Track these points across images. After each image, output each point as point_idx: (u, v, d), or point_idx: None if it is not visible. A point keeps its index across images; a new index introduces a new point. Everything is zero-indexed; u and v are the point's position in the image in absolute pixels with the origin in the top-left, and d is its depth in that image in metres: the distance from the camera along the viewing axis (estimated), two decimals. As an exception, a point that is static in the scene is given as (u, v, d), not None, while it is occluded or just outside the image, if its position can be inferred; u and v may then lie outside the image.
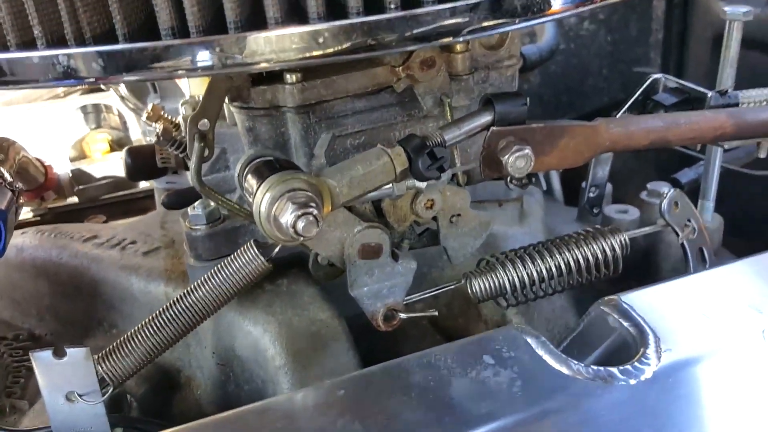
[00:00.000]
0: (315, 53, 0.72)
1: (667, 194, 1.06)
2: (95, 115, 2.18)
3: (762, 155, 1.10)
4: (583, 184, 1.42)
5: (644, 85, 1.17)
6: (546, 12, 0.78)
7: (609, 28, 2.11)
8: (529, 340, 0.77)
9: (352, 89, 1.03)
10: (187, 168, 1.48)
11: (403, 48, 0.76)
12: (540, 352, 0.76)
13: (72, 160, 2.10)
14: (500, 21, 0.76)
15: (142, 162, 1.54)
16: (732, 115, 1.03)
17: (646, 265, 1.37)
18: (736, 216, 1.41)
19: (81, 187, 1.97)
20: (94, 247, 1.30)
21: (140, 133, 2.18)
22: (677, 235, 1.07)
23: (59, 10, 0.72)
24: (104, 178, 2.01)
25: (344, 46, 0.72)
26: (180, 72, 0.73)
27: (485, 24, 0.75)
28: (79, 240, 1.33)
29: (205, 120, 0.97)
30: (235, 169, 0.93)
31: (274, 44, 0.71)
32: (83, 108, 2.19)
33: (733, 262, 0.95)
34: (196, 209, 1.09)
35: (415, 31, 0.73)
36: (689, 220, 1.08)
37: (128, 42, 0.72)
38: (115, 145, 2.15)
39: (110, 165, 2.04)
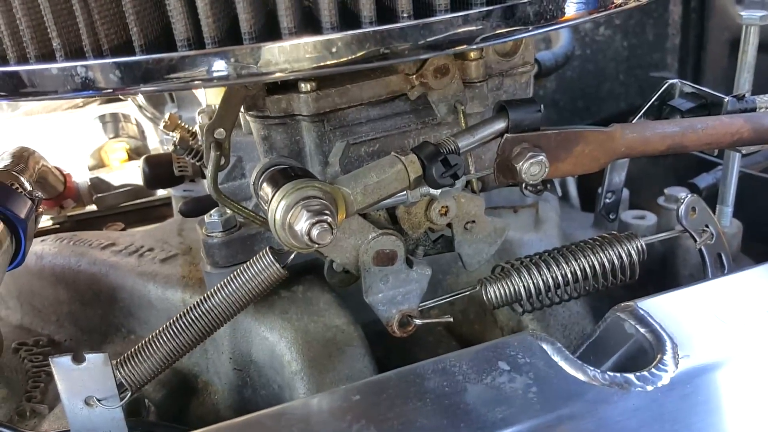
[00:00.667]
0: (329, 62, 0.73)
1: (684, 199, 1.05)
2: (113, 124, 2.21)
3: (780, 159, 1.09)
4: (600, 190, 1.41)
5: (660, 90, 1.16)
6: (559, 19, 0.78)
7: (625, 33, 2.10)
8: (544, 346, 0.77)
9: (366, 97, 1.03)
10: (203, 176, 1.50)
11: (416, 57, 0.76)
12: (555, 358, 0.75)
13: (91, 168, 2.13)
14: (513, 28, 0.76)
15: (159, 170, 1.56)
16: (749, 119, 1.02)
17: (664, 272, 1.36)
18: (755, 221, 1.40)
19: (99, 195, 1.99)
20: (112, 254, 1.32)
21: (158, 142, 2.20)
22: (695, 240, 1.06)
23: (77, 22, 0.74)
24: (122, 186, 2.03)
25: (357, 55, 0.73)
26: (196, 82, 0.74)
27: (498, 31, 0.75)
28: (97, 247, 1.35)
29: (222, 129, 0.98)
30: (250, 178, 0.94)
31: (288, 54, 0.72)
32: (102, 117, 2.22)
33: (750, 268, 0.94)
34: (212, 217, 1.10)
35: (428, 40, 0.74)
36: (707, 226, 1.07)
37: (145, 53, 0.73)
38: (133, 154, 2.17)
39: (128, 173, 2.06)
